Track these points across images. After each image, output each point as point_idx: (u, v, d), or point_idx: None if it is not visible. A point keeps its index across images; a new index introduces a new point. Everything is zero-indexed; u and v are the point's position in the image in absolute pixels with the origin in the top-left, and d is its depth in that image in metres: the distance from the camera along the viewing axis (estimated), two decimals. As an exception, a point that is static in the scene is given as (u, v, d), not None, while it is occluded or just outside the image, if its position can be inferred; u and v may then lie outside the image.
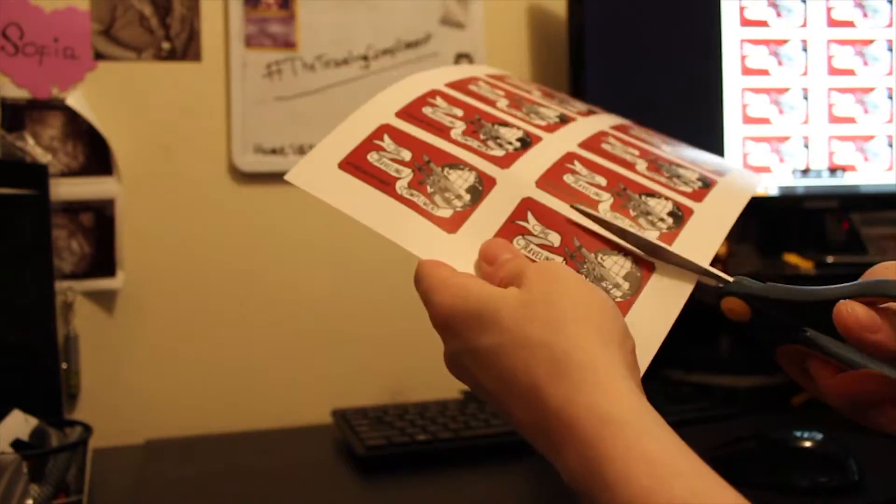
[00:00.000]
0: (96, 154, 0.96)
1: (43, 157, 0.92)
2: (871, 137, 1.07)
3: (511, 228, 0.48)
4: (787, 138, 1.05)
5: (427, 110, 0.54)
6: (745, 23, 1.04)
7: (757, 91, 1.04)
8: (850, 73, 1.06)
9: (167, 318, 1.00)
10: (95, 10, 0.96)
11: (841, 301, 0.41)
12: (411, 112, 0.54)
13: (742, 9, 1.04)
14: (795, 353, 0.46)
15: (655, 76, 1.03)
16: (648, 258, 0.47)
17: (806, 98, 1.05)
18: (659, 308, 0.45)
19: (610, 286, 0.45)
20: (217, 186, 1.01)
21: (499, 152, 0.52)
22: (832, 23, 1.05)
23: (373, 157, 0.50)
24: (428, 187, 0.49)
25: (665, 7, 1.04)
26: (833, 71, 1.06)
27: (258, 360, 1.03)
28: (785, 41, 1.05)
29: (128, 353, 0.98)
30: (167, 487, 0.81)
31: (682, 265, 0.47)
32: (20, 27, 0.93)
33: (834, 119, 1.06)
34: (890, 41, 1.07)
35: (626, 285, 0.46)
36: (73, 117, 0.95)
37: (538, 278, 0.42)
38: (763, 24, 1.04)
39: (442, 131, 0.53)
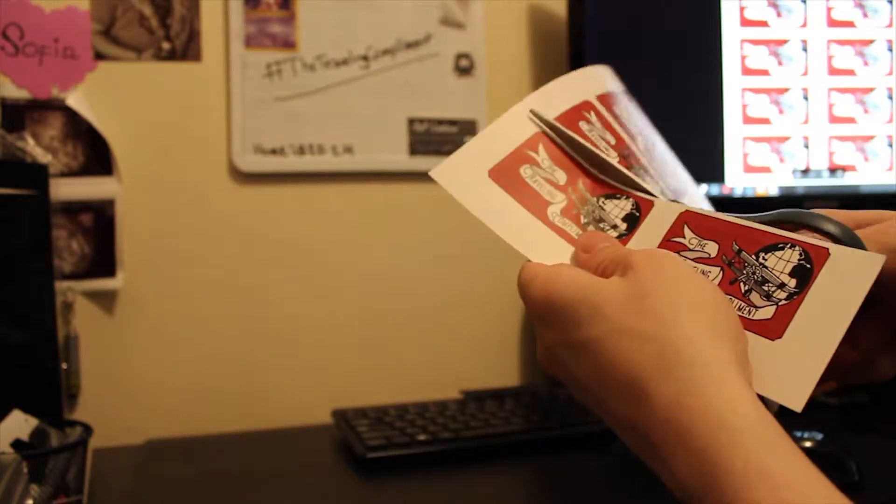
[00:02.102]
0: (96, 154, 0.96)
1: (43, 157, 0.92)
2: (871, 137, 1.07)
3: (666, 247, 0.45)
4: (787, 138, 1.05)
5: (584, 126, 0.51)
6: (745, 23, 1.04)
7: (757, 91, 1.04)
8: (850, 73, 1.06)
9: (167, 318, 1.00)
10: (95, 10, 0.96)
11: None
12: (568, 125, 0.50)
13: (742, 9, 1.04)
14: None
15: (655, 76, 1.03)
16: (821, 244, 0.42)
17: (806, 98, 1.05)
18: (833, 305, 0.39)
19: (773, 288, 0.41)
20: (217, 186, 1.01)
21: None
22: (832, 23, 1.05)
23: (526, 171, 0.47)
24: (582, 217, 0.47)
25: (665, 7, 1.04)
26: (833, 71, 1.06)
27: (258, 360, 1.03)
28: (785, 41, 1.04)
29: (128, 353, 0.98)
30: (167, 487, 0.81)
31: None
32: (20, 27, 0.93)
33: (834, 119, 1.06)
34: (890, 41, 1.07)
35: (792, 283, 0.41)
36: (73, 117, 0.95)
37: (645, 267, 0.39)
38: (763, 24, 1.04)
39: None
